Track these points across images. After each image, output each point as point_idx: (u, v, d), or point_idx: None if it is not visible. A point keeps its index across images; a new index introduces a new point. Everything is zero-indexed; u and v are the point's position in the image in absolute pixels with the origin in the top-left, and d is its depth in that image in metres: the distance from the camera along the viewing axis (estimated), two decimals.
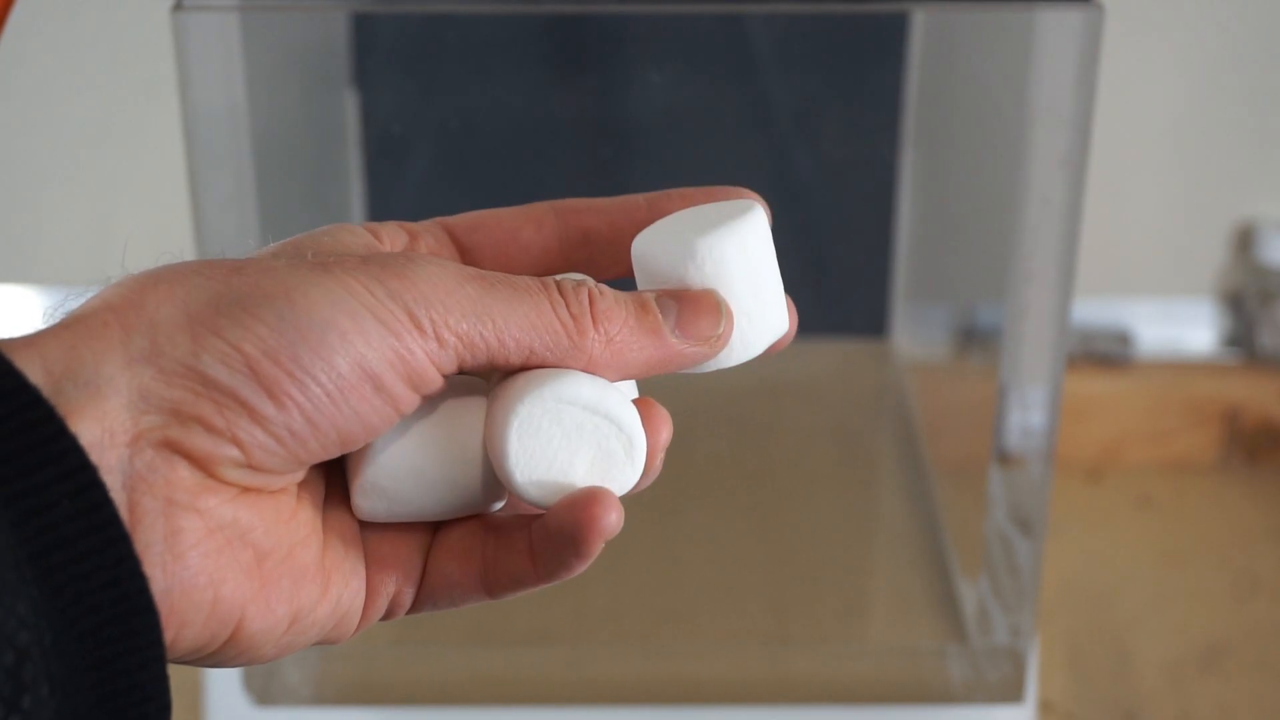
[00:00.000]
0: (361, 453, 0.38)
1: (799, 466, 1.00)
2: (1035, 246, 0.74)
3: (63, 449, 0.32)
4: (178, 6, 0.68)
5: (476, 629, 0.86)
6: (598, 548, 0.37)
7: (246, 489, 0.35)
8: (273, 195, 0.74)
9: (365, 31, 0.98)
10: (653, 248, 0.40)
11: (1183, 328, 1.12)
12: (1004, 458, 0.81)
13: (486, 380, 0.40)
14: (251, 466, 0.34)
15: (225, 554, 0.34)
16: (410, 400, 0.36)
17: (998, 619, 0.83)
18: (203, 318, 0.34)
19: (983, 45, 0.86)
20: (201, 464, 0.34)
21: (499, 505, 0.40)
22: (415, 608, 0.39)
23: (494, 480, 0.39)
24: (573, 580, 0.39)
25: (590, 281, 0.38)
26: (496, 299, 0.36)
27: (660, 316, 0.38)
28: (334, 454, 0.36)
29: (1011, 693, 0.82)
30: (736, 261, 0.39)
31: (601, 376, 0.38)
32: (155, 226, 1.08)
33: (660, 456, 0.39)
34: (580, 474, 0.38)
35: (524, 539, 0.38)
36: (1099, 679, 0.91)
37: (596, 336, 0.37)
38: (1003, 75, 0.79)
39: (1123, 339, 1.10)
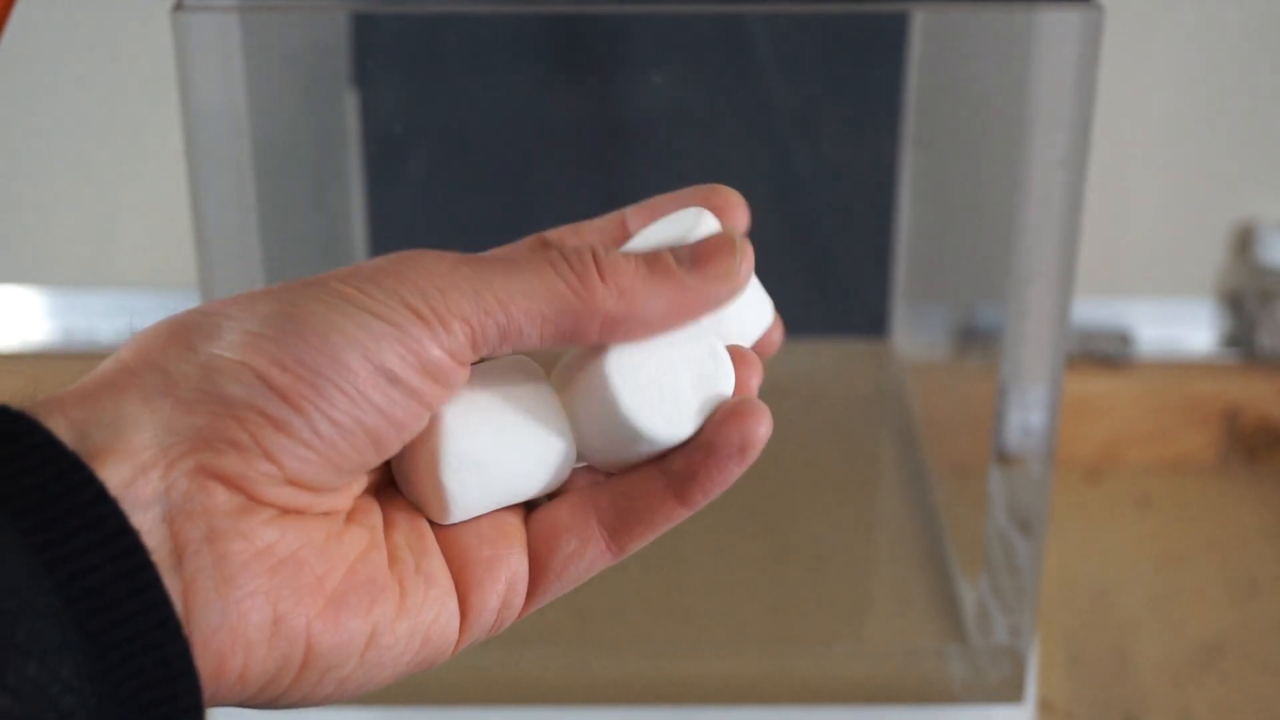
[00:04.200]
0: (434, 441, 0.37)
1: (799, 466, 1.00)
2: (1035, 246, 0.74)
3: (101, 514, 0.31)
4: (178, 6, 0.68)
5: None
6: (758, 450, 0.37)
7: (288, 510, 0.34)
8: (273, 195, 0.74)
9: (365, 31, 0.98)
10: None
11: (1183, 328, 1.12)
12: (1004, 458, 0.81)
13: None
14: (291, 482, 0.34)
15: (280, 573, 0.34)
16: (434, 392, 0.35)
17: (997, 619, 0.83)
18: (207, 346, 0.34)
19: (983, 45, 0.86)
20: (238, 485, 0.33)
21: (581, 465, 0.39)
22: (534, 598, 0.38)
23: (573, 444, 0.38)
24: None
25: (595, 245, 0.38)
26: (494, 274, 0.36)
27: (672, 260, 0.38)
28: (371, 459, 0.35)
29: (1011, 693, 0.82)
30: None
31: (622, 332, 0.37)
32: (155, 226, 1.08)
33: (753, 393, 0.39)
34: (692, 398, 0.37)
35: (655, 474, 0.38)
36: (1099, 679, 0.91)
37: (607, 291, 0.36)
38: (1003, 75, 0.79)
39: (1123, 339, 1.10)
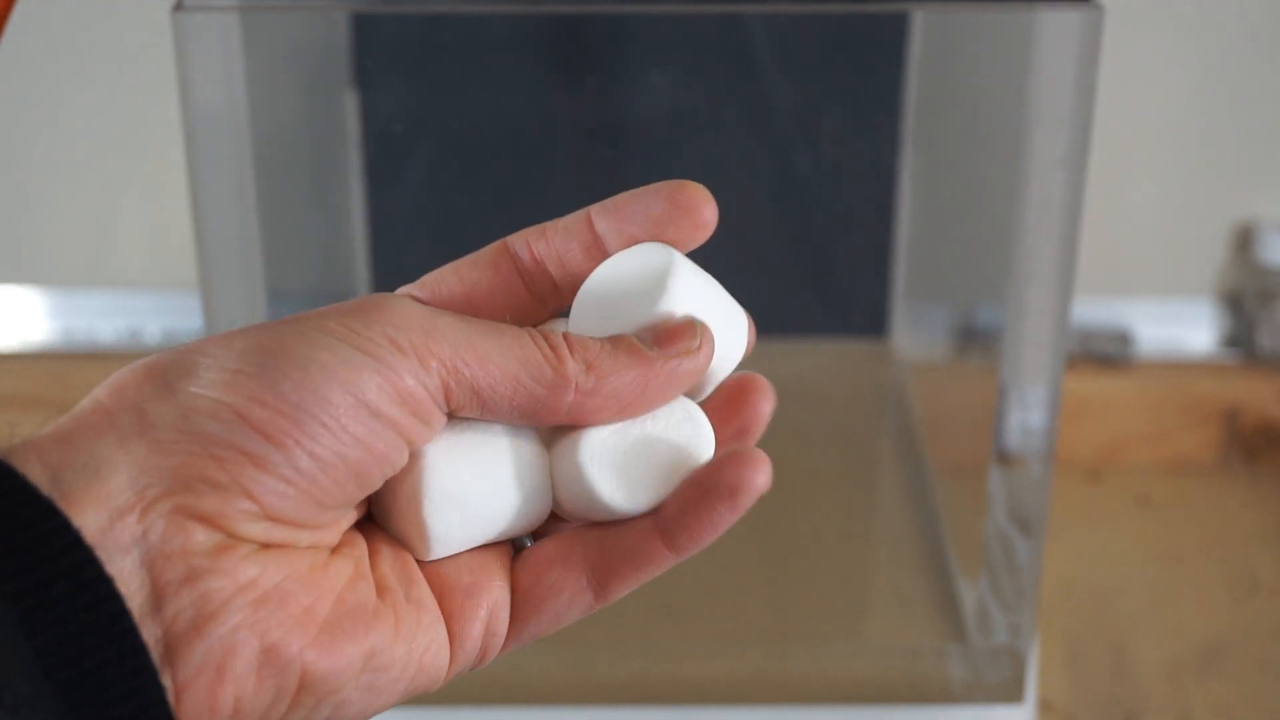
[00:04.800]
0: (416, 478, 0.37)
1: (799, 466, 1.00)
2: (1035, 246, 0.74)
3: (75, 561, 0.31)
4: (178, 6, 0.68)
5: None
6: (753, 497, 0.36)
7: (268, 545, 0.34)
8: (273, 195, 0.74)
9: (365, 31, 0.98)
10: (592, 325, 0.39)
11: (1183, 328, 1.12)
12: (1004, 458, 0.81)
13: None
14: (270, 518, 0.34)
15: (265, 606, 0.33)
16: (414, 427, 0.35)
17: (997, 619, 0.83)
18: (185, 385, 0.34)
19: (983, 45, 0.86)
20: (215, 524, 0.33)
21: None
22: (515, 632, 0.38)
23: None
24: None
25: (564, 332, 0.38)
26: (475, 329, 0.36)
27: (636, 341, 0.38)
28: (353, 493, 0.35)
29: (1011, 693, 0.82)
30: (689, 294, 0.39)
31: (593, 410, 0.37)
32: (155, 226, 1.08)
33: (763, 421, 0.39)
34: (667, 467, 0.38)
35: (646, 521, 0.37)
36: (1099, 679, 0.91)
37: (576, 364, 0.37)
38: (1003, 75, 0.79)
39: (1123, 339, 1.10)
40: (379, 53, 0.99)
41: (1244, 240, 1.10)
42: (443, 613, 0.37)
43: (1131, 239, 1.10)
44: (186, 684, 0.32)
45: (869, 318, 1.10)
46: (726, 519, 0.37)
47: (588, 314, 0.40)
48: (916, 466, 0.99)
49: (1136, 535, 1.04)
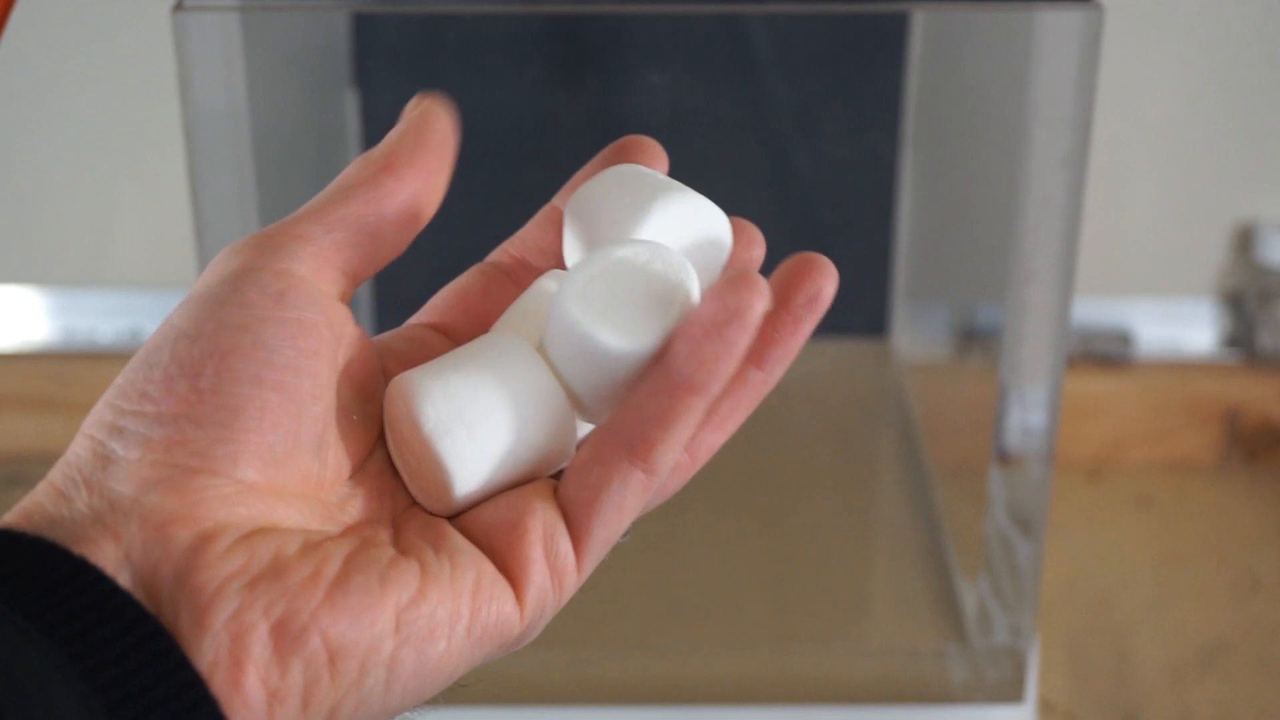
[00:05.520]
0: (410, 408, 0.36)
1: (799, 466, 1.00)
2: (1035, 246, 0.74)
3: (122, 602, 0.32)
4: (178, 6, 0.68)
5: None
6: (758, 318, 0.34)
7: (254, 532, 0.33)
8: (273, 195, 0.74)
9: (365, 31, 0.98)
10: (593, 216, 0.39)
11: (1183, 328, 1.12)
12: (1004, 458, 0.81)
13: None
14: (241, 485, 0.34)
15: (259, 584, 0.33)
16: (295, 300, 0.36)
17: (998, 619, 0.83)
18: (107, 407, 0.34)
19: (983, 45, 0.86)
20: (189, 519, 0.33)
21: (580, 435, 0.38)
22: (584, 546, 0.36)
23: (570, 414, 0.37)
24: None
25: None
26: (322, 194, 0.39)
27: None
28: (305, 408, 0.35)
29: (1011, 693, 0.82)
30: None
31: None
32: (155, 226, 1.08)
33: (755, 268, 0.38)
34: (657, 306, 0.36)
35: (658, 373, 0.35)
36: (1099, 679, 0.91)
37: None
38: (1003, 75, 0.79)
39: (1123, 339, 1.10)
40: (379, 53, 0.99)
41: (1244, 240, 1.10)
42: (494, 555, 0.36)
43: (1131, 239, 1.10)
44: (206, 679, 0.32)
45: (869, 318, 1.10)
46: (737, 341, 0.34)
47: (575, 237, 0.40)
48: (916, 466, 0.99)
49: (1137, 535, 1.04)
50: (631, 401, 0.36)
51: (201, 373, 0.34)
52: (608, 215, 0.39)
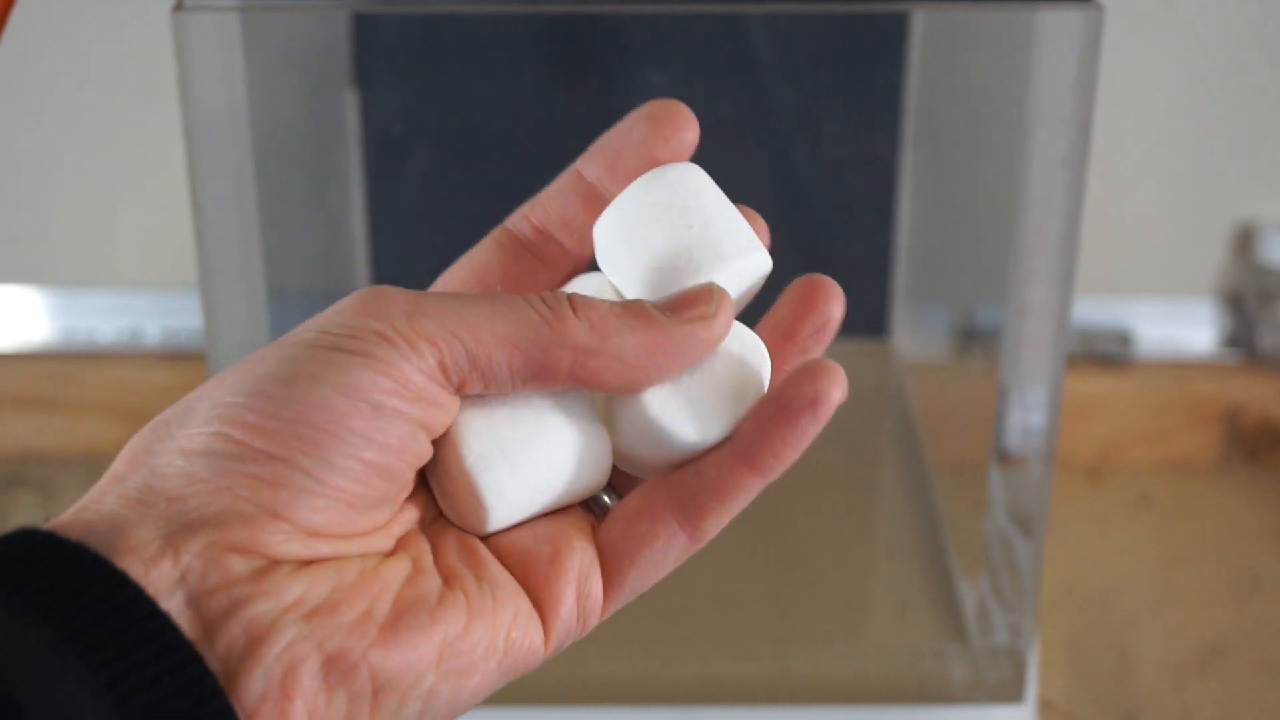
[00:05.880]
0: (454, 440, 0.36)
1: (799, 466, 0.99)
2: (1035, 246, 0.74)
3: (129, 598, 0.32)
4: (178, 6, 0.68)
5: None
6: (831, 408, 0.35)
7: (311, 561, 0.34)
8: (273, 195, 0.74)
9: (365, 31, 0.98)
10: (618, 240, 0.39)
11: (1183, 328, 1.12)
12: (1004, 458, 0.81)
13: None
14: (307, 533, 0.33)
15: (316, 618, 0.33)
16: (425, 412, 0.35)
17: (998, 619, 0.83)
18: (184, 429, 0.34)
19: (983, 45, 0.86)
20: (252, 550, 0.33)
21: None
22: (615, 591, 0.37)
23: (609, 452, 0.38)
24: None
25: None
26: (463, 303, 0.36)
27: (647, 305, 0.37)
28: (384, 490, 0.35)
29: (1011, 693, 0.82)
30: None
31: (596, 370, 0.36)
32: (155, 226, 1.08)
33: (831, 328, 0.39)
34: (729, 397, 0.37)
35: (724, 447, 0.36)
36: (1099, 679, 0.91)
37: (579, 322, 0.36)
38: (1003, 75, 0.79)
39: (1123, 339, 1.10)
40: (379, 53, 0.99)
41: (1244, 240, 1.10)
42: (529, 587, 0.37)
43: (1132, 239, 1.10)
44: (254, 710, 0.32)
45: (869, 318, 1.10)
46: (810, 431, 0.36)
47: (610, 249, 0.39)
48: (916, 466, 0.99)
49: (1137, 535, 1.04)
50: (692, 466, 0.37)
51: (314, 421, 0.34)
52: (646, 246, 0.38)
